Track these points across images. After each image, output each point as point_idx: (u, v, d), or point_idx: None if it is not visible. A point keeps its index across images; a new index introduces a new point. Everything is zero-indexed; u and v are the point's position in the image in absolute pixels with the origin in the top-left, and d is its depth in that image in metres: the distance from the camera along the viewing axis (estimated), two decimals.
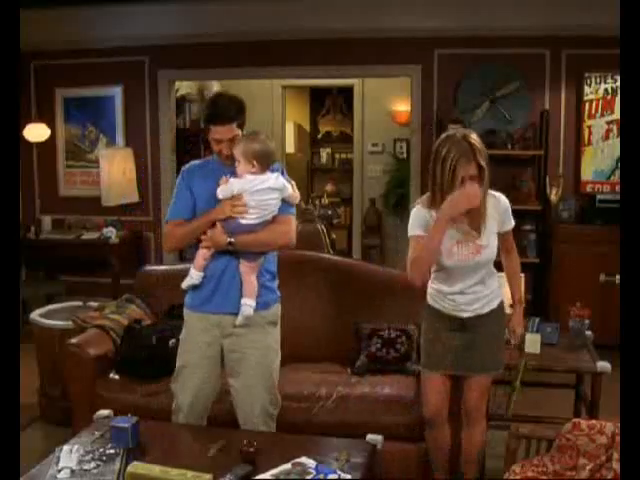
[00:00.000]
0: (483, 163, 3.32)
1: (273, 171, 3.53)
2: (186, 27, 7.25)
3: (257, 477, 2.95)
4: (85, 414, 4.12)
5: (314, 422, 4.02)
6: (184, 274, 5.09)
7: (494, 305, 3.61)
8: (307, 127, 11.79)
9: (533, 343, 4.33)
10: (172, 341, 4.33)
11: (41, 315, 5.17)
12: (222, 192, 3.46)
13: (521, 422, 3.57)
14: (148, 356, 4.32)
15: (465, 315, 3.59)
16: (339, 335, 4.67)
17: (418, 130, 7.37)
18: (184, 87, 8.70)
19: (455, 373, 3.67)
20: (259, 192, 3.45)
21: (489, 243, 3.49)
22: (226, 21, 6.90)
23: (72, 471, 3.03)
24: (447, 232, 3.42)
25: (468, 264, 3.51)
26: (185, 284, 3.61)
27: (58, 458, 3.15)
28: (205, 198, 3.53)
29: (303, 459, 3.04)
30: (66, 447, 3.23)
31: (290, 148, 10.77)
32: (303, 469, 2.96)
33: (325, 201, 10.96)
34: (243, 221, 3.46)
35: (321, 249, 7.55)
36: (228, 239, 3.43)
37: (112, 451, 3.16)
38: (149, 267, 5.46)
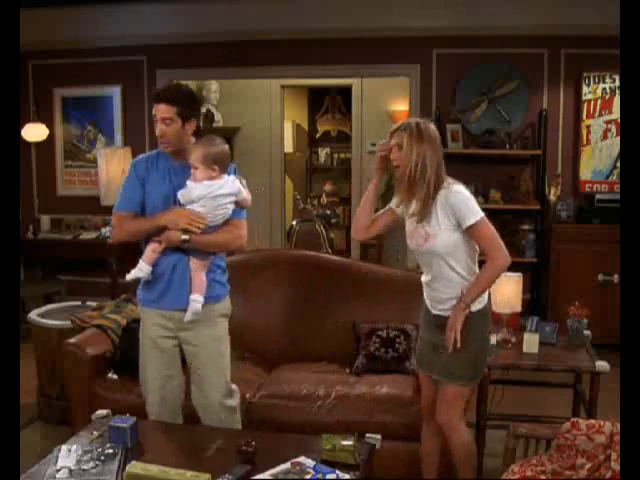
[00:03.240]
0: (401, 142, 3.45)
1: (229, 174, 3.61)
2: (185, 26, 7.25)
3: (256, 477, 2.95)
4: (84, 414, 4.12)
5: (312, 422, 4.02)
6: None
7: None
8: (306, 126, 11.79)
9: (531, 343, 4.33)
10: None
11: (39, 315, 5.16)
12: (183, 197, 3.52)
13: (520, 421, 3.57)
14: None
15: (433, 312, 3.58)
16: (337, 335, 4.68)
17: None
18: None
19: (430, 374, 3.63)
20: (217, 198, 3.51)
21: (439, 233, 3.42)
22: (225, 20, 6.90)
23: (70, 471, 3.03)
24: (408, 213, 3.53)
25: (421, 250, 3.53)
26: (130, 276, 3.63)
27: (57, 458, 3.14)
28: (156, 196, 3.59)
29: (302, 459, 3.05)
30: (64, 447, 3.23)
31: (289, 148, 10.77)
32: (302, 469, 2.97)
33: (324, 201, 10.96)
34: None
35: (319, 248, 7.57)
36: (182, 236, 3.48)
37: (111, 451, 3.16)
38: None
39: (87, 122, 7.94)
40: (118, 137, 7.82)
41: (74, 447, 3.22)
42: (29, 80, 8.08)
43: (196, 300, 3.54)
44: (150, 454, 3.17)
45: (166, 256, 3.59)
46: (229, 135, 9.66)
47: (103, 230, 7.33)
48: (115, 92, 7.81)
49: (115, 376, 4.38)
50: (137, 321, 4.56)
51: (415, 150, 3.41)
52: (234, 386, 3.80)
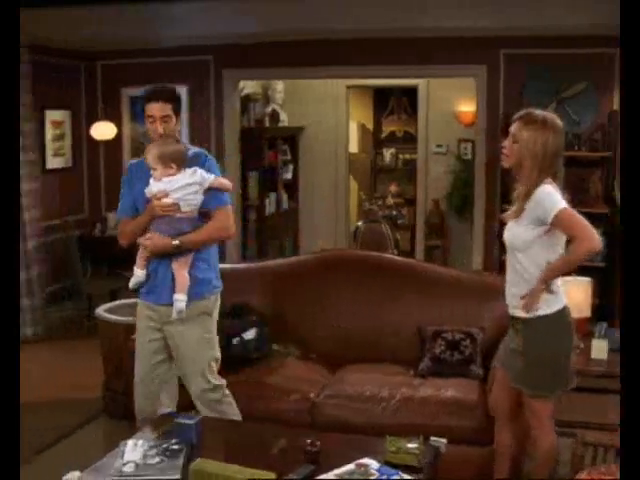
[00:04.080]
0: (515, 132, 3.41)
1: (204, 162, 3.79)
2: (251, 26, 7.28)
3: (320, 477, 2.96)
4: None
5: (376, 423, 4.00)
6: (246, 273, 5.16)
7: (542, 311, 3.39)
8: (370, 127, 11.76)
9: (600, 349, 4.26)
10: (236, 339, 4.38)
11: (106, 310, 5.24)
12: (148, 194, 3.69)
13: (587, 429, 3.51)
14: None
15: (509, 312, 3.52)
16: (402, 336, 4.65)
17: (483, 131, 7.31)
18: (249, 86, 8.76)
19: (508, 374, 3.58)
20: (178, 190, 3.64)
21: (521, 227, 3.38)
22: (291, 20, 6.92)
23: (137, 465, 3.07)
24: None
25: (506, 241, 3.49)
26: (131, 283, 3.87)
27: (123, 452, 3.19)
28: (141, 198, 3.78)
29: (366, 460, 3.04)
30: (131, 441, 3.28)
31: (353, 148, 10.76)
32: (366, 470, 2.96)
33: (390, 202, 10.92)
34: (178, 215, 3.66)
35: (385, 249, 7.55)
36: (173, 242, 3.65)
37: (176, 447, 3.19)
38: (221, 265, 5.49)
39: None
40: (184, 136, 7.88)
41: (140, 442, 3.26)
42: (98, 80, 8.23)
43: (178, 299, 3.69)
44: (214, 451, 3.20)
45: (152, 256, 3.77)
46: (294, 135, 9.71)
47: None
48: (182, 91, 7.84)
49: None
50: None
51: (532, 137, 3.35)
52: (217, 380, 3.87)
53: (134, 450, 3.19)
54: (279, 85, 9.37)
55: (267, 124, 9.04)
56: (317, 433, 3.49)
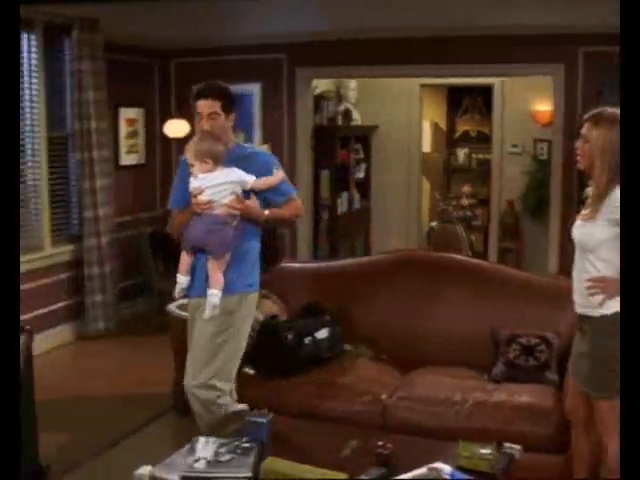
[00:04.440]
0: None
1: (270, 164, 3.88)
2: (324, 24, 7.29)
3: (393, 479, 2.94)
4: None
5: (448, 427, 3.96)
6: (318, 273, 5.18)
7: (606, 310, 3.33)
8: (444, 126, 11.68)
9: None
10: (308, 339, 4.38)
11: (178, 307, 5.28)
12: (190, 191, 3.74)
13: None
14: (283, 352, 4.37)
15: (577, 311, 3.48)
16: (475, 340, 4.59)
17: (560, 131, 7.19)
18: (322, 85, 8.77)
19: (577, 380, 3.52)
20: (213, 187, 3.66)
21: (595, 227, 3.31)
22: (364, 18, 6.91)
23: (208, 462, 3.09)
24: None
25: (577, 240, 3.44)
26: (176, 292, 3.93)
27: (194, 448, 3.22)
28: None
29: (438, 464, 3.01)
30: (202, 438, 3.30)
31: (426, 147, 10.70)
32: (439, 474, 2.94)
33: (464, 202, 10.83)
34: (215, 212, 3.67)
35: (459, 251, 7.49)
36: (265, 212, 3.80)
37: (247, 445, 3.20)
38: (286, 264, 5.51)
39: None
40: (257, 134, 7.96)
41: (212, 439, 3.29)
42: (171, 78, 8.34)
43: (212, 294, 3.72)
44: (285, 451, 3.19)
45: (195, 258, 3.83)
46: (366, 133, 9.70)
47: None
48: (255, 90, 7.95)
49: (252, 371, 4.44)
50: (275, 317, 4.65)
51: (601, 136, 3.32)
52: (219, 384, 3.82)
53: (205, 447, 3.22)
54: (352, 83, 9.36)
55: (340, 122, 9.04)
56: (388, 435, 3.47)
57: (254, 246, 3.97)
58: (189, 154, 3.71)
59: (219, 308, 3.75)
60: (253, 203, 3.75)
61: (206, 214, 3.68)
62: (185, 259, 3.85)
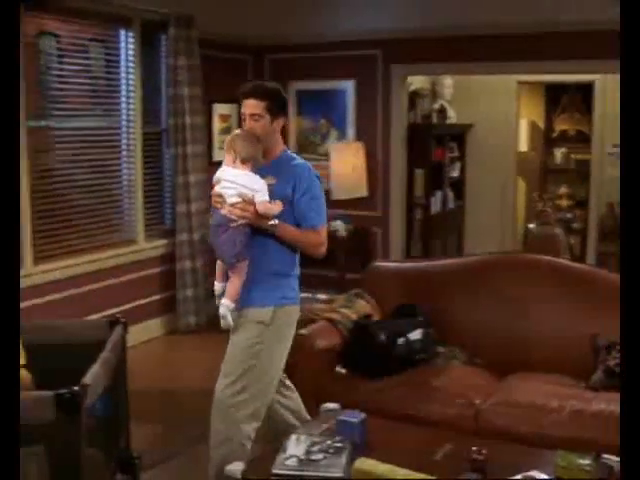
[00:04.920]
0: None
1: (303, 172, 3.74)
2: (419, 20, 7.25)
3: None
4: (309, 405, 4.24)
5: (543, 434, 3.88)
6: (411, 273, 5.16)
7: None
8: (541, 125, 11.47)
9: None
10: (401, 340, 4.37)
11: None
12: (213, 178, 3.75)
13: None
14: (376, 353, 4.37)
15: None
16: (573, 346, 4.50)
17: None
18: (416, 82, 8.73)
19: None
20: (226, 181, 3.60)
21: None
22: (460, 13, 6.85)
23: (300, 460, 3.12)
24: None
25: None
26: (217, 301, 3.82)
27: (286, 446, 3.25)
28: None
29: (534, 472, 2.97)
30: (294, 436, 3.33)
31: (523, 146, 10.54)
32: None
33: (563, 204, 10.61)
34: (223, 211, 3.59)
35: (557, 254, 7.33)
36: (272, 221, 3.61)
37: (339, 444, 3.22)
38: (379, 263, 5.52)
39: (320, 116, 8.16)
40: (350, 132, 7.98)
41: (303, 437, 3.31)
42: (265, 74, 8.42)
43: (223, 304, 3.69)
44: (377, 452, 3.19)
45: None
46: (462, 131, 9.62)
47: (333, 224, 7.49)
48: (348, 86, 7.97)
49: (343, 370, 4.46)
50: (368, 317, 4.66)
51: None
52: (241, 397, 3.71)
53: (297, 445, 3.24)
54: (448, 80, 9.29)
55: (435, 120, 8.98)
56: (482, 440, 3.43)
57: (287, 258, 3.82)
58: (226, 144, 3.70)
59: (255, 318, 3.72)
60: (270, 208, 3.58)
61: (216, 211, 3.65)
62: (219, 264, 3.81)
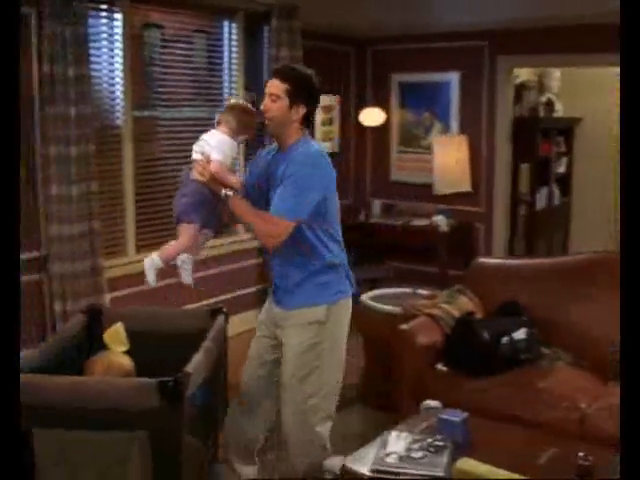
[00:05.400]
0: None
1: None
2: (527, 10, 7.10)
3: None
4: (409, 402, 4.24)
5: None
6: (515, 270, 5.07)
7: None
8: None
9: None
10: (505, 339, 4.31)
11: (371, 298, 5.34)
12: None
13: None
14: (479, 351, 4.32)
15: None
16: None
17: None
18: (523, 74, 8.57)
19: None
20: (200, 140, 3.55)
21: None
22: (570, 3, 6.68)
23: (400, 457, 3.12)
24: None
25: None
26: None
27: (386, 442, 3.24)
28: (250, 182, 3.75)
29: None
30: (394, 432, 3.33)
31: None
32: None
33: None
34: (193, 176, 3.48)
35: None
36: (227, 191, 3.40)
37: (441, 443, 3.20)
38: (483, 259, 5.44)
39: (424, 108, 8.10)
40: (454, 125, 7.90)
41: (404, 434, 3.30)
42: (367, 66, 8.41)
43: (150, 257, 3.49)
44: (479, 452, 3.16)
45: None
46: (570, 125, 9.40)
47: (435, 218, 7.44)
48: (453, 79, 7.88)
49: (444, 368, 4.42)
50: (471, 314, 4.60)
51: None
52: (313, 400, 3.63)
53: (397, 441, 3.24)
54: (556, 73, 9.08)
55: (541, 114, 8.81)
56: (587, 445, 3.35)
57: (324, 251, 3.63)
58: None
59: (304, 323, 3.62)
60: (219, 170, 3.41)
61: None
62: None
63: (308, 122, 3.56)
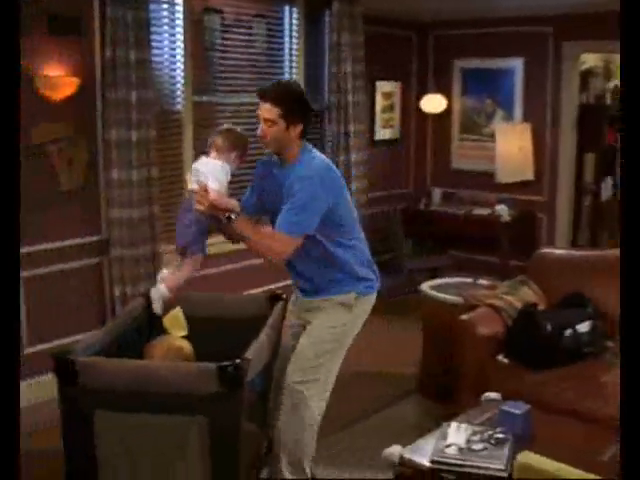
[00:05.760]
0: None
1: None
2: None
3: None
4: (469, 393, 4.22)
5: None
6: (579, 261, 5.00)
7: None
8: None
9: None
10: (568, 331, 4.25)
11: (431, 287, 5.32)
12: None
13: None
14: (541, 344, 4.27)
15: None
16: None
17: None
18: (589, 60, 8.43)
19: None
20: (193, 169, 3.64)
21: None
22: None
23: (460, 449, 3.10)
24: None
25: None
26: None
27: (446, 433, 3.23)
28: (265, 195, 3.80)
29: None
30: (454, 424, 3.31)
31: None
32: None
33: None
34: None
35: None
36: (231, 214, 3.44)
37: (501, 436, 3.18)
38: (546, 249, 5.37)
39: (486, 95, 8.01)
40: (517, 112, 7.79)
41: (464, 426, 3.29)
42: (429, 51, 8.35)
43: (159, 289, 3.72)
44: (541, 446, 3.11)
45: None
46: None
47: (497, 207, 7.37)
48: (516, 65, 7.77)
49: (505, 359, 4.39)
50: (533, 305, 4.55)
51: None
52: (311, 376, 3.65)
53: (457, 433, 3.23)
54: None
55: (608, 101, 8.66)
56: None
57: (350, 259, 3.70)
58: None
59: (334, 304, 3.69)
60: (218, 198, 3.44)
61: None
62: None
63: (306, 133, 3.63)
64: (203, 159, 3.66)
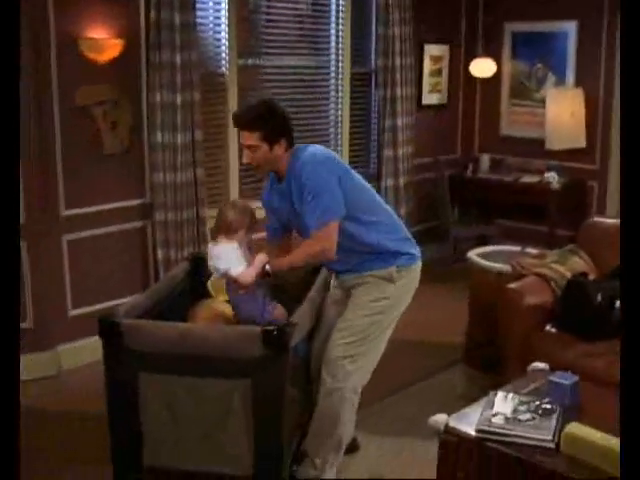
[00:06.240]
0: None
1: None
2: None
3: None
4: (515, 364, 4.20)
5: None
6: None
7: None
8: None
9: None
10: (619, 302, 4.20)
11: (479, 255, 5.28)
12: None
13: None
14: (591, 314, 4.24)
15: None
16: None
17: None
18: None
19: None
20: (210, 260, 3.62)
21: None
22: None
23: (507, 418, 3.09)
24: None
25: None
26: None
27: (493, 402, 3.22)
28: (280, 213, 3.80)
29: None
30: (501, 393, 3.30)
31: None
32: None
33: None
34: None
35: None
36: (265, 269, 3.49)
37: (549, 406, 3.16)
38: (597, 218, 5.30)
39: (537, 59, 7.89)
40: (570, 77, 7.66)
41: (511, 395, 3.27)
42: (479, 15, 8.23)
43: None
44: (589, 417, 3.10)
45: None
46: None
47: (546, 175, 7.28)
48: (570, 28, 7.63)
49: (554, 330, 4.36)
50: (584, 275, 4.51)
51: None
52: (352, 350, 3.63)
53: (504, 402, 3.21)
54: None
55: None
56: None
57: (380, 232, 3.72)
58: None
59: (374, 278, 3.70)
60: (246, 275, 3.47)
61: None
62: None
63: (291, 143, 3.62)
64: (216, 249, 3.60)
